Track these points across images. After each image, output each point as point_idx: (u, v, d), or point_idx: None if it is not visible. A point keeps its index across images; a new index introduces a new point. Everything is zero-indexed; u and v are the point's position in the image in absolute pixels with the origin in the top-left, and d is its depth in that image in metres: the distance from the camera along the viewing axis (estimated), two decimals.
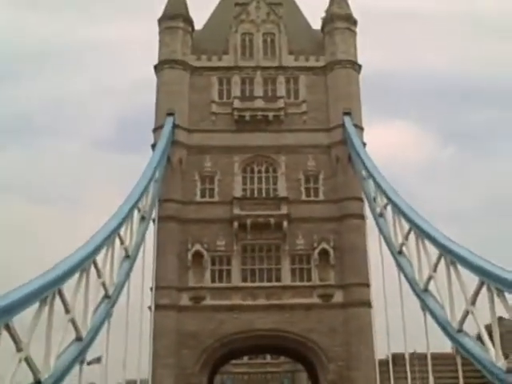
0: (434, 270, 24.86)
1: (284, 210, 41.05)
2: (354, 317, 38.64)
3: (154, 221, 37.71)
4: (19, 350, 16.81)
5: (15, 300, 16.38)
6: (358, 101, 44.51)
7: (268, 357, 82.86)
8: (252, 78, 45.22)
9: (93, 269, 23.46)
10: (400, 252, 30.10)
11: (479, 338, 22.13)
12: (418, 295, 26.99)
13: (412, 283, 27.76)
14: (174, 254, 39.72)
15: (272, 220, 40.62)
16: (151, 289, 36.77)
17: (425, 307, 26.11)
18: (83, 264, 22.07)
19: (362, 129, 43.43)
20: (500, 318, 22.77)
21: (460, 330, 22.55)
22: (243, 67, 45.45)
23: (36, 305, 18.04)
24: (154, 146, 40.78)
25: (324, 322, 38.86)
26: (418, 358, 49.81)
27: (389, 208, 32.11)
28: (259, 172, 42.91)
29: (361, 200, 39.98)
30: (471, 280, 21.14)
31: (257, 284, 40.15)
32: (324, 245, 40.21)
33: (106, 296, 25.43)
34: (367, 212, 38.46)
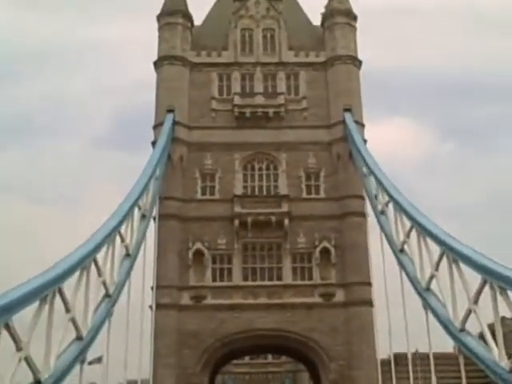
0: (436, 269, 24.58)
1: (285, 207, 40.86)
2: (356, 316, 38.49)
3: (154, 219, 37.58)
4: (19, 349, 16.60)
5: (15, 299, 16.18)
6: (359, 97, 44.30)
7: (269, 357, 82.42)
8: (252, 74, 45.01)
9: (93, 267, 23.24)
10: (402, 250, 29.81)
11: (481, 337, 21.97)
12: (419, 294, 26.71)
13: (414, 282, 27.47)
14: (175, 252, 39.56)
15: (273, 218, 40.44)
16: (152, 288, 36.62)
17: (427, 306, 25.84)
18: (83, 262, 21.84)
19: (362, 125, 43.20)
20: (502, 318, 22.60)
21: (462, 330, 22.28)
22: (243, 63, 45.25)
23: (36, 304, 17.83)
24: (154, 144, 40.57)
25: (325, 321, 38.68)
26: (420, 358, 49.56)
27: (390, 206, 31.84)
28: (260, 169, 42.73)
29: (362, 198, 39.78)
30: (474, 278, 20.94)
31: (258, 283, 39.96)
32: (325, 243, 40.04)
33: (107, 295, 25.20)
34: (368, 210, 38.27)
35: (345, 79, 44.28)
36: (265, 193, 42.12)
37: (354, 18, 46.59)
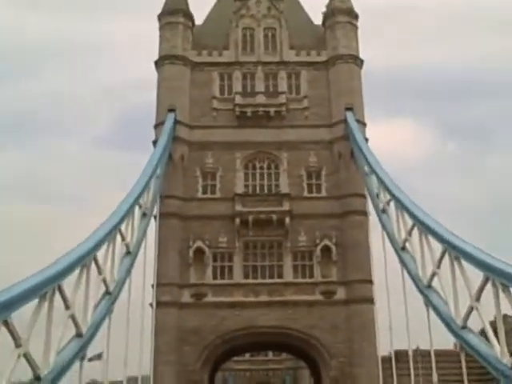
0: (438, 266, 24.55)
1: (286, 206, 40.81)
2: (357, 313, 38.45)
3: (155, 217, 37.59)
4: (18, 345, 16.60)
5: (14, 296, 16.17)
6: (360, 96, 44.19)
7: (270, 354, 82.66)
8: (253, 74, 44.95)
9: (93, 265, 23.22)
10: (403, 248, 29.75)
11: (482, 334, 21.90)
12: (421, 291, 26.66)
13: (415, 279, 27.44)
14: (176, 250, 39.54)
15: (274, 216, 40.39)
16: (152, 286, 36.59)
17: (428, 303, 25.78)
18: (84, 260, 21.84)
19: (364, 124, 43.14)
20: (504, 316, 22.50)
21: (464, 327, 22.24)
22: (244, 62, 45.18)
23: (35, 301, 17.83)
24: (155, 143, 40.59)
25: (326, 318, 38.65)
26: (422, 355, 49.57)
27: (392, 204, 31.84)
28: (261, 168, 42.67)
29: (363, 196, 39.69)
30: (476, 276, 20.87)
31: (259, 281, 39.94)
32: (326, 241, 40.00)
33: (107, 292, 25.22)
34: (370, 208, 38.21)
35: (346, 78, 44.21)
36: (266, 191, 42.08)
37: (356, 16, 46.50)
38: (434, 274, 25.22)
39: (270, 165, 42.71)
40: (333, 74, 44.58)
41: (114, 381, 41.93)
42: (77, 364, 21.24)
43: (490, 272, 19.67)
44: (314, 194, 41.89)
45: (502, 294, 19.20)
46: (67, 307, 20.25)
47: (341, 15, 45.79)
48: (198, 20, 47.59)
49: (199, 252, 39.86)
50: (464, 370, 24.18)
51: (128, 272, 28.47)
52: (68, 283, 20.43)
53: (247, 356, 79.18)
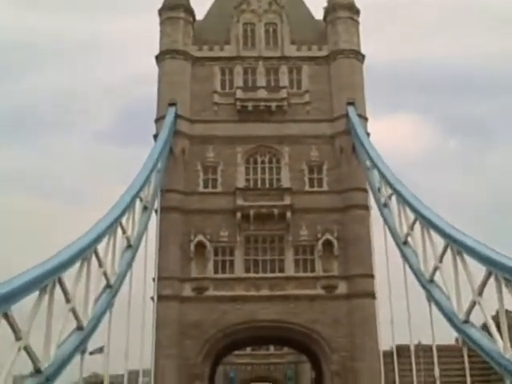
0: (440, 261, 24.42)
1: (287, 200, 40.75)
2: (358, 308, 38.42)
3: (156, 211, 37.52)
4: (18, 338, 16.51)
5: (13, 288, 16.06)
6: (362, 91, 44.09)
7: (271, 348, 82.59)
8: (254, 68, 44.84)
9: (94, 258, 23.14)
10: (405, 242, 29.65)
11: (484, 329, 21.79)
12: (423, 286, 26.56)
13: (417, 274, 27.34)
14: (177, 244, 39.51)
15: (275, 211, 40.33)
16: (153, 279, 36.55)
17: (430, 298, 25.66)
18: (84, 253, 21.76)
19: (366, 119, 43.07)
20: (506, 311, 22.37)
21: (466, 321, 22.12)
22: (245, 57, 45.06)
23: (36, 293, 17.74)
24: (156, 137, 40.56)
25: (328, 313, 38.63)
26: (423, 350, 49.52)
27: (393, 198, 31.75)
28: (262, 162, 42.60)
29: (365, 191, 39.59)
30: (478, 270, 20.76)
31: (260, 275, 39.91)
32: (328, 236, 39.94)
33: (108, 286, 25.15)
34: (371, 202, 38.15)
35: (348, 73, 44.10)
36: (267, 186, 42.03)
37: (357, 11, 46.34)
38: (436, 269, 25.09)
39: (272, 159, 42.64)
40: (334, 68, 44.47)
41: (115, 374, 42.01)
42: (77, 357, 21.22)
43: (493, 266, 19.55)
44: (316, 189, 41.82)
45: (504, 289, 19.08)
46: (68, 300, 20.17)
47: (342, 10, 45.65)
48: (199, 15, 47.56)
49: (200, 246, 39.82)
50: (466, 365, 24.06)
51: (129, 265, 28.41)
52: (69, 276, 20.36)
53: (248, 350, 79.05)
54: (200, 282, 39.32)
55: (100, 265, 24.00)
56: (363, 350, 37.48)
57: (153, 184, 34.54)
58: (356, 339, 37.88)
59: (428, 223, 25.84)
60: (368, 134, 41.07)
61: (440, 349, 29.08)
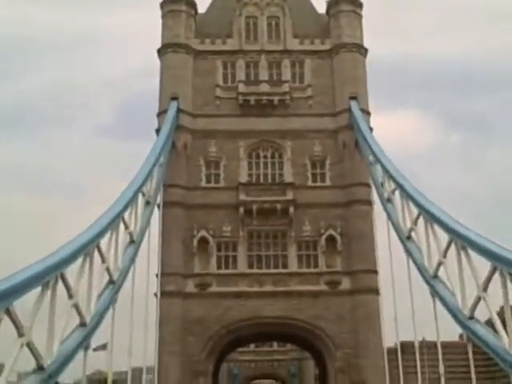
0: (444, 256, 24.22)
1: (290, 195, 40.61)
2: (362, 304, 38.30)
3: (158, 206, 37.32)
4: (21, 335, 16.34)
5: (16, 284, 15.89)
6: (365, 85, 43.86)
7: (275, 344, 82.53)
8: (257, 62, 44.60)
9: (96, 254, 22.95)
10: (409, 237, 29.43)
11: (489, 324, 21.63)
12: (427, 282, 26.31)
13: (421, 269, 27.11)
14: (179, 240, 39.36)
15: (278, 206, 40.19)
16: (157, 275, 36.39)
17: (434, 294, 25.45)
18: (87, 248, 21.56)
19: (368, 113, 42.84)
20: (511, 307, 22.21)
21: (471, 317, 21.96)
22: (248, 51, 44.84)
23: (38, 289, 17.57)
24: (158, 131, 40.33)
25: (331, 309, 38.53)
26: (428, 347, 49.27)
27: (397, 193, 31.52)
28: (265, 157, 42.44)
29: (368, 186, 39.50)
30: (483, 265, 20.58)
31: (263, 271, 39.82)
32: (331, 231, 39.81)
33: (111, 281, 24.96)
34: (375, 197, 37.93)
35: (350, 67, 43.85)
36: (270, 181, 41.89)
37: (360, 5, 46.09)
38: (440, 264, 24.88)
39: (274, 154, 42.46)
40: (337, 62, 44.24)
41: (119, 371, 41.91)
42: (81, 354, 21.05)
43: (498, 261, 19.38)
44: (319, 184, 41.66)
45: (509, 284, 18.92)
46: (70, 296, 19.99)
47: (345, 4, 45.39)
48: (201, 8, 47.30)
49: (203, 241, 39.67)
50: (471, 362, 23.86)
51: (132, 261, 28.20)
52: (71, 272, 20.18)
53: (252, 347, 79.10)
54: (203, 278, 39.20)
55: (103, 260, 23.81)
56: (367, 346, 37.37)
57: (155, 179, 34.32)
58: (360, 335, 37.78)
59: (432, 218, 25.64)
60: (371, 129, 40.84)
61: (444, 345, 28.90)
